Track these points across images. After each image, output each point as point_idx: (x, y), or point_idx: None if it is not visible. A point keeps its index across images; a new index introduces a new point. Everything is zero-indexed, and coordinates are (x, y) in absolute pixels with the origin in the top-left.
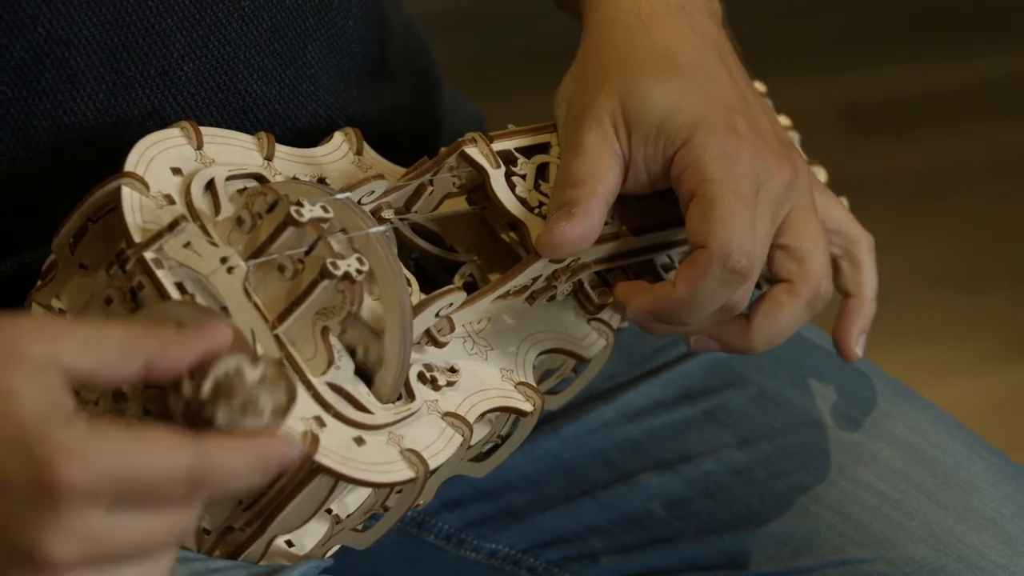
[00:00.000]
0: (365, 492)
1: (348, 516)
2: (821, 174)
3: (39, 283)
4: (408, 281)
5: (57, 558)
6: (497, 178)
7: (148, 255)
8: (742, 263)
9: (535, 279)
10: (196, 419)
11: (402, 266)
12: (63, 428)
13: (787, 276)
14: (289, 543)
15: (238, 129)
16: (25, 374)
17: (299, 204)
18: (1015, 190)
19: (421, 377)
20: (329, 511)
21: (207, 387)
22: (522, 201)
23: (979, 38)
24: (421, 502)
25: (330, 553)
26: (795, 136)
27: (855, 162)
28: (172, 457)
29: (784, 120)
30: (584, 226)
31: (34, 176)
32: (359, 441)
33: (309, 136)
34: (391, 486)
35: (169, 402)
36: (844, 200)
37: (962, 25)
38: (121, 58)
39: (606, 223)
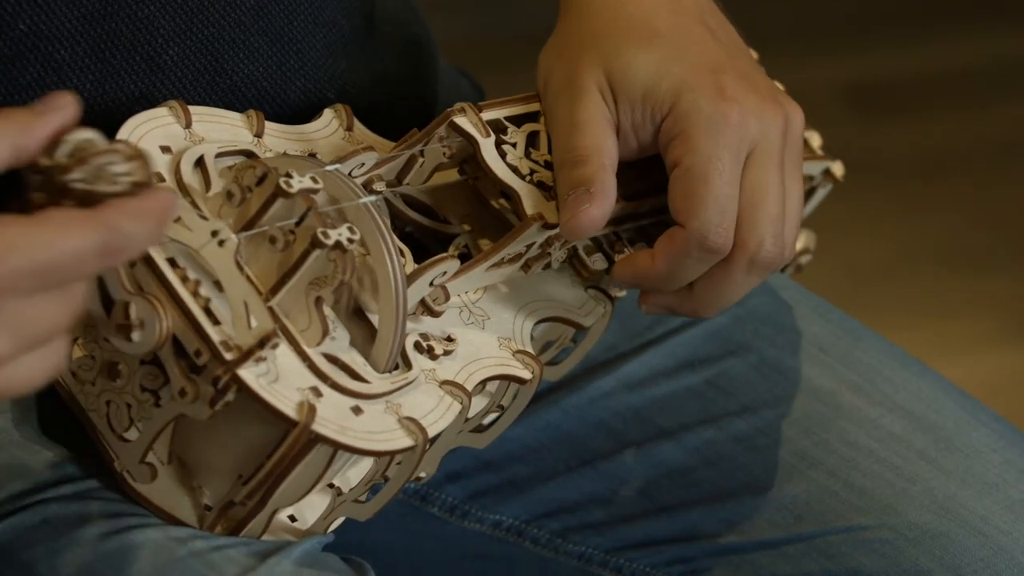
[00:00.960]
0: (367, 465)
1: (350, 489)
2: (815, 139)
3: None
4: (401, 251)
5: None
6: (487, 147)
7: None
8: (719, 242)
9: (529, 247)
10: (53, 186)
11: (394, 236)
12: None
13: None
14: (292, 518)
15: (227, 108)
16: None
17: (288, 176)
18: (1020, 170)
19: (417, 347)
20: (331, 485)
21: (63, 151)
22: (513, 169)
23: (986, 18)
24: (423, 475)
25: (333, 527)
26: None
27: (860, 141)
28: (80, 236)
29: (778, 87)
30: (605, 202)
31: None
32: (356, 410)
33: (298, 112)
34: (390, 454)
35: (29, 181)
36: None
37: (969, 5)
38: (106, 48)
39: None
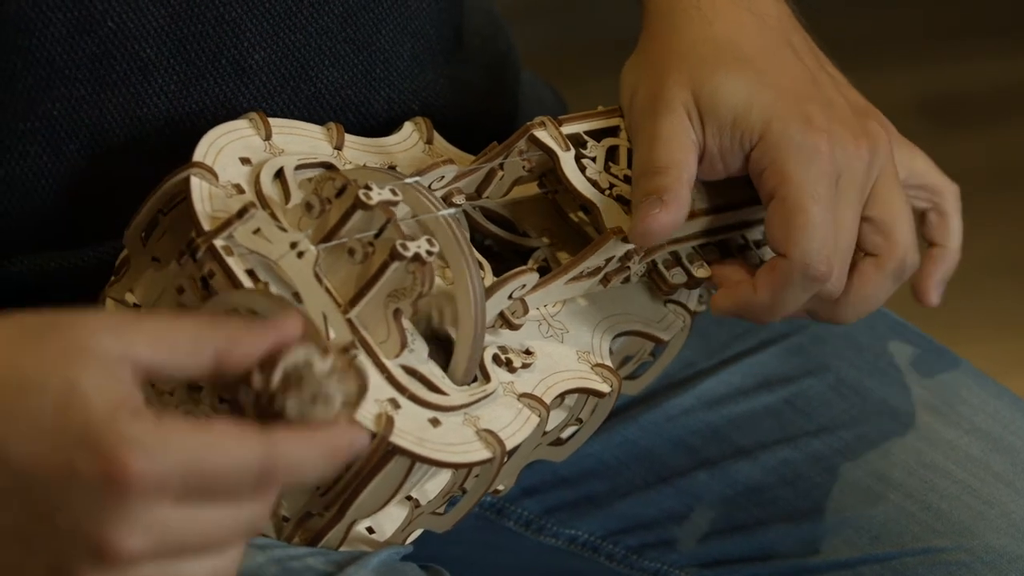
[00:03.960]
0: (445, 478)
1: (428, 501)
2: None
3: (112, 278)
4: (480, 264)
5: (127, 551)
6: (567, 161)
7: (218, 242)
8: (822, 270)
9: (608, 260)
10: (266, 411)
11: (474, 249)
12: (131, 421)
13: (872, 249)
14: (369, 529)
15: (309, 116)
16: (94, 369)
17: (368, 188)
18: None
19: (496, 359)
20: (409, 497)
21: (277, 378)
22: (593, 183)
23: None
24: (501, 487)
25: (411, 539)
26: None
27: (933, 153)
28: (241, 449)
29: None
30: (677, 213)
31: (108, 169)
32: (434, 422)
33: (381, 122)
34: (468, 466)
35: (239, 395)
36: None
37: None
38: (192, 49)
39: None
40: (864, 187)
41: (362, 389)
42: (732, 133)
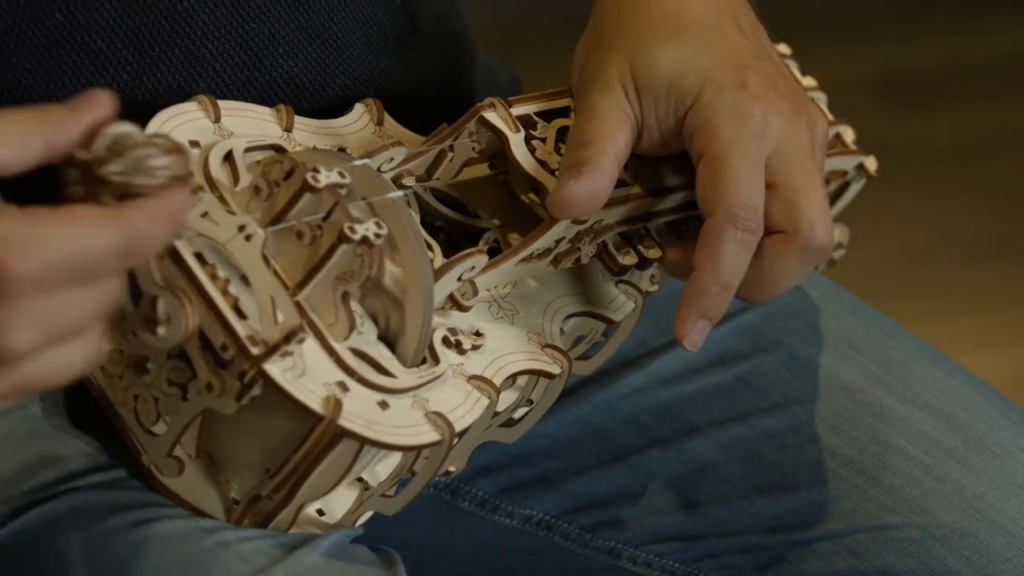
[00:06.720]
0: (395, 460)
1: (378, 483)
2: (848, 133)
3: None
4: (429, 246)
5: (17, 348)
6: (517, 142)
7: None
8: (750, 221)
9: (558, 241)
10: (91, 179)
11: (423, 231)
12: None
13: (777, 225)
14: (320, 511)
15: (264, 104)
16: None
17: (316, 171)
18: None
19: (446, 341)
20: (359, 479)
21: (101, 144)
22: (542, 164)
23: (1017, 10)
24: (453, 469)
25: (361, 521)
26: (822, 97)
27: (891, 131)
28: (104, 234)
29: (809, 81)
30: (593, 185)
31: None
32: (383, 405)
33: (336, 108)
34: (416, 449)
35: (66, 176)
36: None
37: None
38: (144, 39)
39: (625, 184)
40: (812, 152)
41: (187, 159)
42: (666, 101)
